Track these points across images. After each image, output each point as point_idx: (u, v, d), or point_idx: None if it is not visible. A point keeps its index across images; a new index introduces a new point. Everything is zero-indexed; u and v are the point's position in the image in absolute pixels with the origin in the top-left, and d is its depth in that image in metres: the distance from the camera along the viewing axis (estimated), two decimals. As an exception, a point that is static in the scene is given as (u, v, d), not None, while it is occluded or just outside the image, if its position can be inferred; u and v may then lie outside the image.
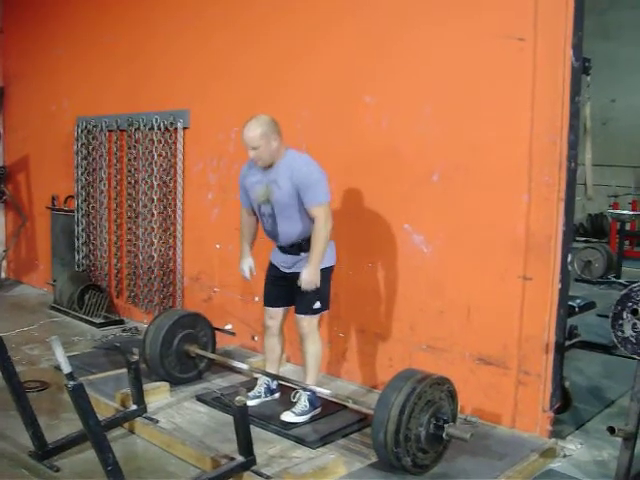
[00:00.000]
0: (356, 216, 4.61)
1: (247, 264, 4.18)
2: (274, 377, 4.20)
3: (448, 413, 3.38)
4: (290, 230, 3.87)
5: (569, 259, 3.83)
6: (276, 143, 3.77)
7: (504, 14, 3.89)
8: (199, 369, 4.59)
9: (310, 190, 3.73)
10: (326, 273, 3.94)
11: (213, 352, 4.64)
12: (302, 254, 3.89)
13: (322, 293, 3.93)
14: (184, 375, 4.50)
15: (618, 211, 10.63)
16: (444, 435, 3.30)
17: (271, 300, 4.14)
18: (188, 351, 4.48)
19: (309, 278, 3.78)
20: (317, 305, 3.93)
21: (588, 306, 5.16)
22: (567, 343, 4.05)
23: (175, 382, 4.41)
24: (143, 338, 4.49)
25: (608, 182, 11.82)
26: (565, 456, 3.74)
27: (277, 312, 4.14)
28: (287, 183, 3.76)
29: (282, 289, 4.07)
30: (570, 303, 4.62)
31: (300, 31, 4.94)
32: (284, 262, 4.01)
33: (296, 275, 3.85)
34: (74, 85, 7.15)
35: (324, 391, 3.90)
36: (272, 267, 4.12)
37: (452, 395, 3.45)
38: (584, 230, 13.40)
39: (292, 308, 4.08)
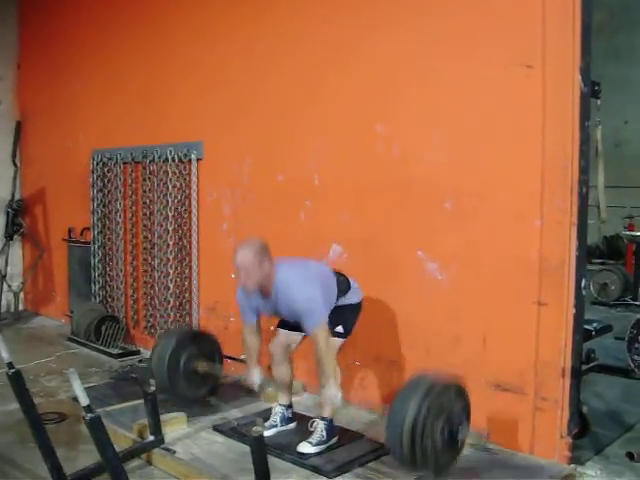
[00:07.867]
0: (370, 244, 4.64)
1: (257, 373, 4.11)
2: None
3: (460, 413, 3.35)
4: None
5: (583, 284, 3.82)
6: (267, 266, 3.74)
7: (512, 42, 3.94)
8: (212, 384, 4.58)
9: (308, 318, 3.72)
10: (355, 307, 4.03)
11: (221, 363, 4.60)
12: None
13: (346, 320, 3.96)
14: (198, 393, 4.50)
15: (632, 233, 10.53)
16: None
17: (279, 322, 4.13)
18: (196, 369, 4.43)
19: (332, 399, 3.75)
20: (339, 329, 3.92)
21: (605, 329, 5.10)
22: (584, 367, 4.03)
23: (191, 401, 4.41)
24: (150, 370, 4.46)
25: (623, 203, 11.75)
26: (585, 482, 3.70)
27: (283, 336, 4.12)
28: (288, 311, 3.82)
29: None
30: (586, 327, 4.58)
31: (312, 62, 5.00)
32: None
33: None
34: (89, 119, 7.25)
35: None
36: None
37: (461, 393, 3.41)
38: (600, 252, 13.31)
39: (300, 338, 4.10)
